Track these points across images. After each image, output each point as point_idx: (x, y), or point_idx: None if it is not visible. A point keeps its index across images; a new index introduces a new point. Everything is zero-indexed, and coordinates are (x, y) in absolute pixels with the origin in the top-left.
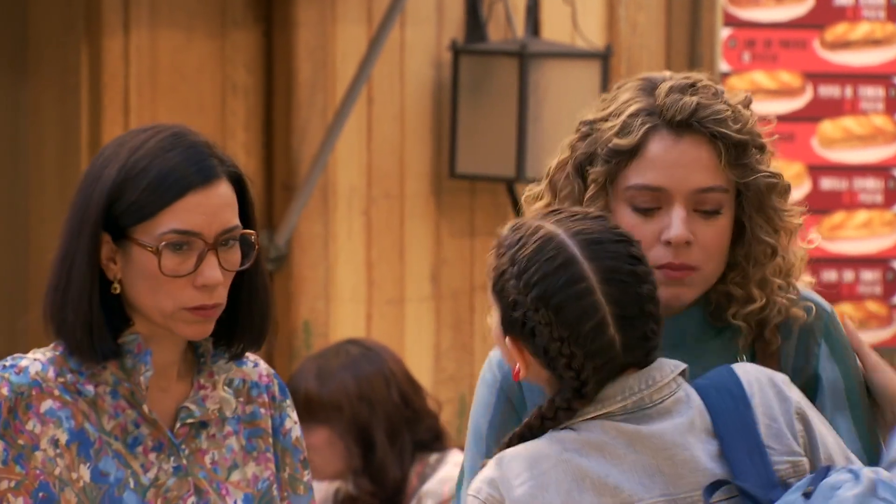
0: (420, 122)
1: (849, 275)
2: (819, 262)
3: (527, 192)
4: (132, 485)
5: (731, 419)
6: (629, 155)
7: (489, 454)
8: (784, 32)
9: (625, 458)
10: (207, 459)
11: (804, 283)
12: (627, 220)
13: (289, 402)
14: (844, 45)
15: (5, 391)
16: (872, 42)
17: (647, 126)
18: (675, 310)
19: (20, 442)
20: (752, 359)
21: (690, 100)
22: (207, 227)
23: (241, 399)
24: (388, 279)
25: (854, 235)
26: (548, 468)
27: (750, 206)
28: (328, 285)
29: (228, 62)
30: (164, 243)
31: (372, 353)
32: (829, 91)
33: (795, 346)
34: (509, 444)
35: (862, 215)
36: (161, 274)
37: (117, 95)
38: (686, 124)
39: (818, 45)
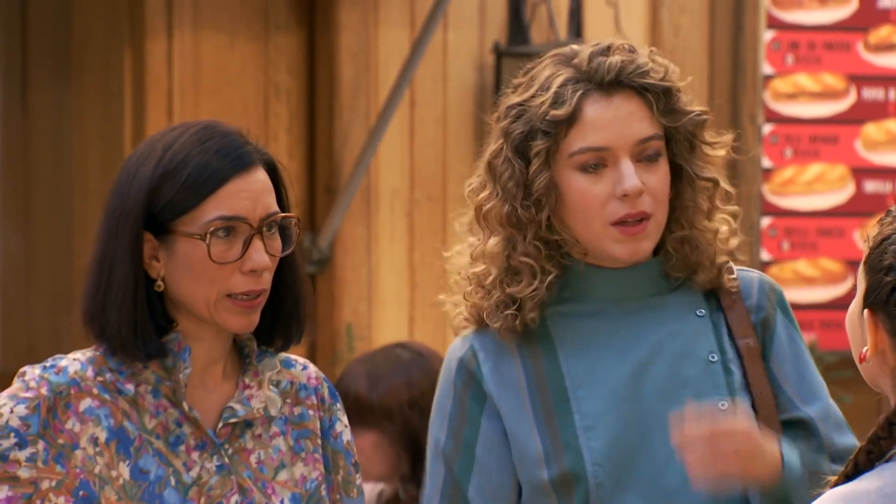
0: (462, 124)
1: None
2: None
3: (467, 187)
4: (173, 482)
5: None
6: (567, 123)
7: (448, 467)
8: (827, 35)
9: None
10: (253, 459)
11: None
12: (577, 184)
13: (339, 405)
14: (888, 47)
15: (44, 391)
16: None
17: (579, 92)
18: (631, 264)
19: (60, 441)
20: (713, 312)
21: (614, 59)
22: (252, 212)
23: (289, 401)
24: (430, 282)
25: None
26: None
27: (682, 149)
28: (371, 288)
29: (271, 65)
30: (212, 230)
31: (422, 359)
32: (873, 93)
33: (755, 305)
34: (846, 471)
35: None
36: (210, 262)
37: (161, 99)
38: (615, 83)
39: (862, 47)
